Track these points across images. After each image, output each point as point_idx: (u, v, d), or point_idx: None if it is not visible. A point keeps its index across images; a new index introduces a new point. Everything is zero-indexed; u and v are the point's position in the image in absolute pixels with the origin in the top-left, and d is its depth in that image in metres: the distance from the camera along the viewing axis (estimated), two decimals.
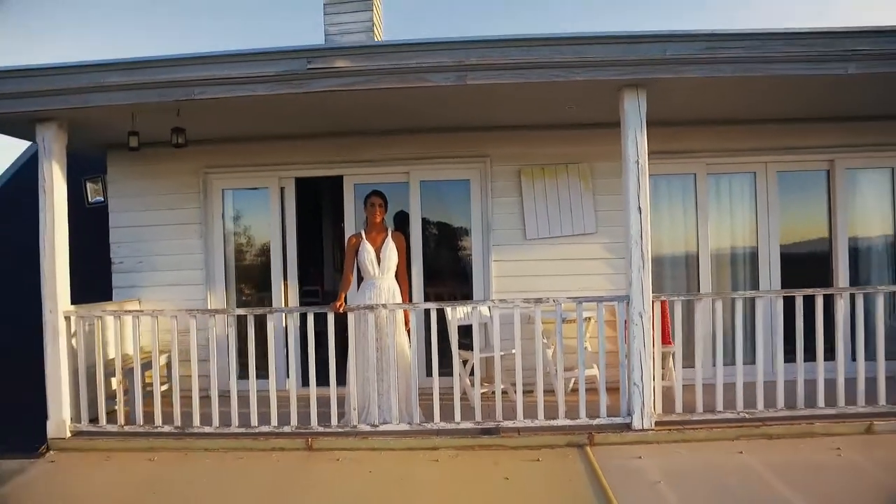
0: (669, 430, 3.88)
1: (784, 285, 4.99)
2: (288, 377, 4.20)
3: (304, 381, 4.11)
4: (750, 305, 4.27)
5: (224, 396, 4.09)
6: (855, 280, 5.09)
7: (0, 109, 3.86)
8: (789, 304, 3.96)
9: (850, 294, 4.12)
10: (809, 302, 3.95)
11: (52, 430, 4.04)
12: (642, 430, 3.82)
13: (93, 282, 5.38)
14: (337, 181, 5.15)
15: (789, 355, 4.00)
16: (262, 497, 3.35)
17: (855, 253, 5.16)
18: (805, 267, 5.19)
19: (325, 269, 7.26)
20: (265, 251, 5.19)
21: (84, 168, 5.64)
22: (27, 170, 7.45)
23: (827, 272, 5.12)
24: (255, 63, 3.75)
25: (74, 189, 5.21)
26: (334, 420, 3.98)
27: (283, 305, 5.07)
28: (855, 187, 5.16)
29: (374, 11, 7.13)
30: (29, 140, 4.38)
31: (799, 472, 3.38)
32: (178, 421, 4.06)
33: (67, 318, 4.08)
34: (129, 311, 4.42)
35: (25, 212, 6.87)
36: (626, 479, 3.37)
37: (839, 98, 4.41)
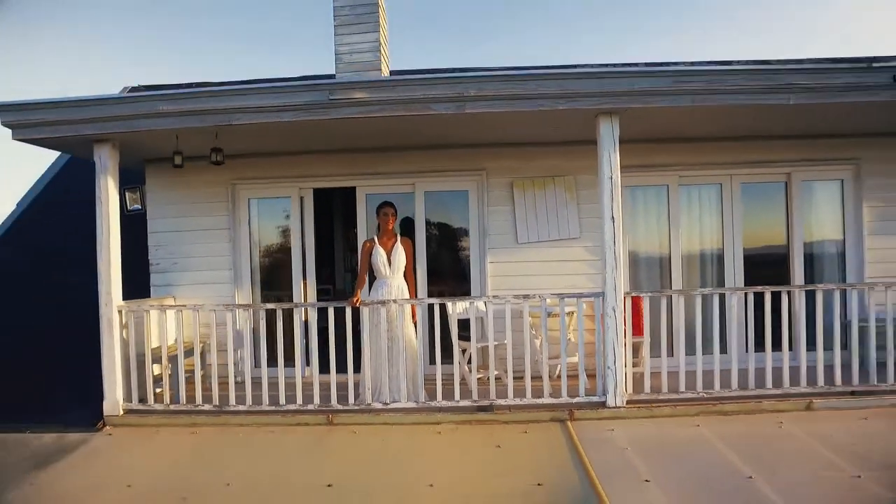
0: (639, 407, 4.53)
1: (747, 284, 5.63)
2: (309, 364, 4.85)
3: (324, 369, 4.74)
4: (711, 302, 4.92)
5: (255, 381, 4.73)
6: (810, 279, 5.73)
7: (65, 133, 4.50)
8: (756, 299, 4.61)
9: (789, 291, 4.77)
10: (761, 298, 4.61)
11: (107, 408, 4.69)
12: (615, 407, 4.47)
13: (128, 281, 6.02)
14: (349, 191, 5.80)
15: (754, 345, 4.66)
16: (290, 459, 4.01)
17: (810, 255, 5.81)
18: (767, 268, 5.83)
19: (335, 269, 7.89)
20: (286, 253, 5.83)
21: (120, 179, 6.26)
22: (56, 181, 8.11)
23: (786, 272, 5.77)
24: (284, 94, 4.39)
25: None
26: (351, 399, 4.63)
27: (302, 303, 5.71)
28: (810, 197, 5.80)
29: (381, 32, 7.76)
30: (85, 158, 4.99)
31: (744, 441, 4.02)
32: (216, 401, 4.71)
33: (120, 312, 4.72)
34: (173, 306, 5.08)
35: (55, 218, 7.54)
36: (599, 446, 4.01)
37: (791, 120, 5.05)
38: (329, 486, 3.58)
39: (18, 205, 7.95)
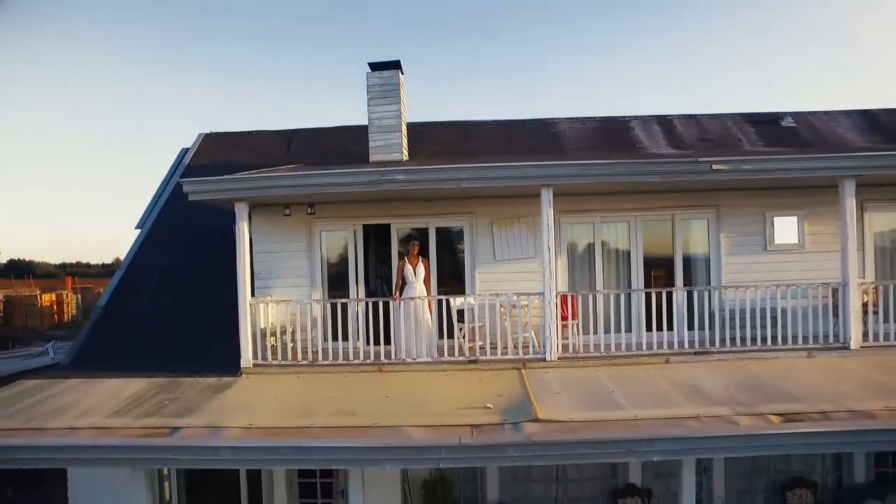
0: (565, 361, 7.55)
1: (646, 282, 8.64)
2: (358, 339, 7.87)
3: (374, 342, 7.74)
4: (620, 298, 7.87)
5: (324, 350, 7.75)
6: (687, 280, 8.74)
7: (221, 197, 7.51)
8: (650, 297, 7.64)
9: (669, 292, 7.81)
10: (653, 296, 7.64)
11: (243, 363, 7.69)
12: (550, 361, 7.49)
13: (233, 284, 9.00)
14: (385, 226, 8.81)
15: (645, 326, 7.68)
16: (361, 387, 7.04)
17: (688, 263, 8.82)
18: (658, 269, 8.85)
19: (369, 278, 10.84)
20: (344, 267, 8.84)
21: (224, 217, 9.27)
22: (163, 215, 11.12)
23: (671, 274, 8.77)
24: (355, 175, 7.42)
25: (223, 229, 8.86)
26: (393, 357, 7.65)
27: (360, 304, 8.71)
28: (688, 228, 8.82)
29: (401, 103, 10.86)
30: (226, 209, 7.98)
31: (619, 378, 7.04)
32: (309, 358, 7.73)
33: (250, 305, 7.74)
34: (278, 300, 8.10)
35: (165, 245, 10.49)
36: (537, 380, 7.03)
37: (668, 183, 8.06)
38: (386, 397, 6.62)
39: (141, 228, 10.99)
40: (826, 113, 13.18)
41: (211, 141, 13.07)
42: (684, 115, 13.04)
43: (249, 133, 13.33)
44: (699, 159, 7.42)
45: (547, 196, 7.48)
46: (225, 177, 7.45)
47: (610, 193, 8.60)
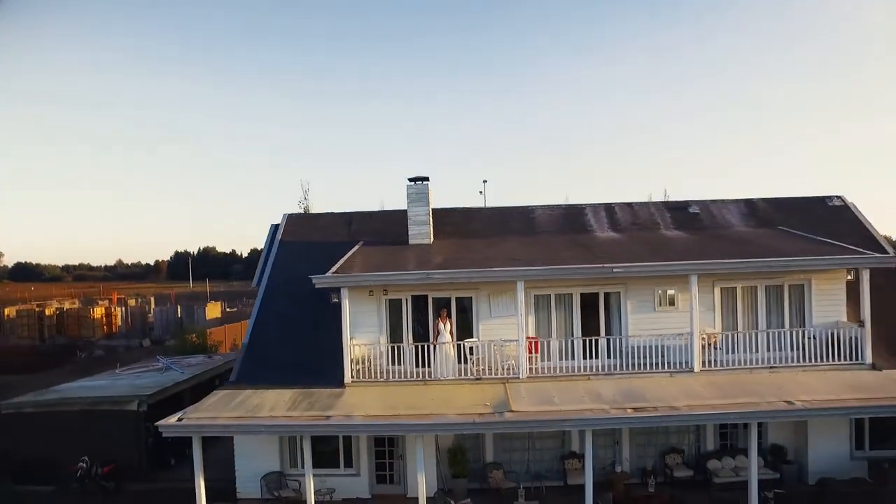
0: (530, 379, 13.22)
1: (582, 329, 14.29)
2: (412, 365, 13.52)
3: (420, 365, 13.39)
4: (569, 342, 13.44)
5: (395, 371, 13.41)
6: (608, 328, 14.37)
7: (335, 286, 13.17)
8: (587, 342, 13.34)
9: (597, 339, 13.52)
10: (590, 342, 13.34)
11: (346, 380, 13.34)
12: (522, 378, 13.16)
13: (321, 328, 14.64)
14: (424, 297, 14.46)
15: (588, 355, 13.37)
16: (417, 394, 12.72)
17: (609, 320, 14.47)
18: (591, 320, 14.51)
19: (413, 327, 16.43)
20: (400, 321, 14.48)
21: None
22: (271, 277, 16.73)
23: (599, 322, 14.42)
24: (411, 275, 13.11)
25: (312, 289, 14.48)
26: (431, 377, 13.32)
27: (410, 345, 14.30)
28: (608, 297, 14.48)
29: (429, 205, 16.59)
30: (331, 292, 13.61)
31: (562, 389, 12.71)
32: (382, 377, 13.41)
33: (351, 345, 13.39)
34: (364, 344, 13.77)
35: (277, 298, 16.13)
36: (514, 390, 12.70)
37: (597, 272, 13.71)
38: (431, 399, 12.31)
39: (258, 285, 16.61)
40: (723, 201, 18.89)
41: (293, 221, 18.77)
42: (624, 203, 18.76)
43: (319, 215, 19.09)
44: (605, 265, 13.11)
45: (520, 284, 13.16)
46: (337, 275, 13.07)
47: (561, 279, 14.27)
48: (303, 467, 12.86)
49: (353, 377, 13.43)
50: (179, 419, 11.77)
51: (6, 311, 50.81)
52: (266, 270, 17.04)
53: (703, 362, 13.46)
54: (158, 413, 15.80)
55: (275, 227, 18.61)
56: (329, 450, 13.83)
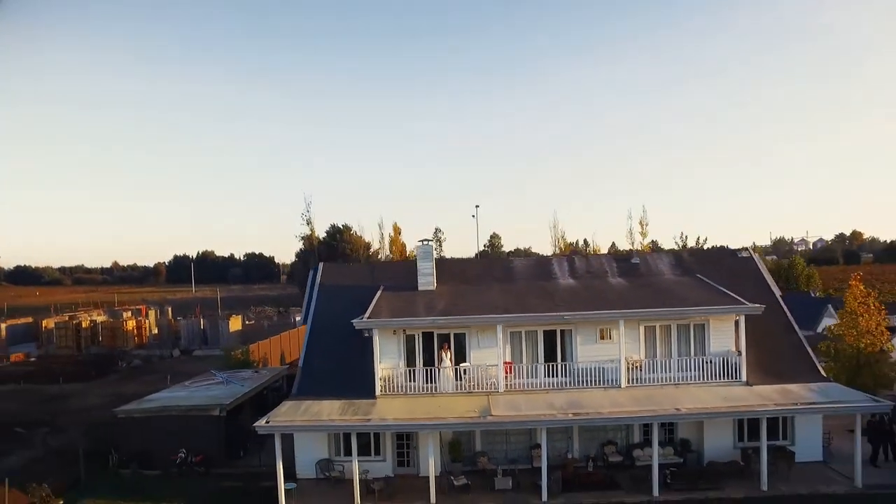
0: (507, 393, 18.86)
1: (545, 355, 19.89)
2: (423, 382, 19.13)
3: (430, 381, 19.01)
4: (537, 368, 18.99)
5: (410, 386, 19.03)
6: (563, 355, 20.02)
7: (370, 327, 18.76)
8: (548, 368, 19.00)
9: (555, 364, 19.21)
10: (553, 367, 19.01)
11: (377, 393, 18.96)
12: (500, 392, 18.80)
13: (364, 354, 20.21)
14: (431, 333, 20.06)
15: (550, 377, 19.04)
16: (424, 403, 18.35)
17: (563, 351, 20.12)
18: (551, 348, 20.17)
19: (423, 354, 21.99)
20: (412, 348, 20.07)
21: (349, 318, 20.44)
22: (316, 315, 22.38)
23: (555, 349, 20.07)
24: (423, 320, 18.74)
25: (351, 329, 20.05)
26: (437, 390, 18.94)
27: (421, 368, 19.87)
28: (563, 333, 20.14)
29: (433, 260, 22.39)
30: (367, 333, 19.19)
31: (527, 400, 18.36)
32: (401, 391, 19.02)
33: (379, 368, 18.98)
34: (387, 368, 19.39)
35: (322, 332, 21.84)
36: (494, 401, 18.34)
37: (551, 320, 19.34)
38: (438, 406, 17.94)
39: (305, 322, 22.19)
40: (657, 253, 24.68)
41: (328, 268, 24.40)
42: (581, 256, 24.45)
43: (350, 265, 24.67)
44: (559, 314, 18.76)
45: (500, 327, 18.82)
46: (370, 320, 18.63)
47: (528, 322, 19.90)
48: (345, 455, 18.56)
49: (381, 391, 19.04)
50: (267, 421, 17.33)
51: (44, 322, 56.03)
52: (311, 308, 22.65)
53: (629, 380, 19.15)
54: (230, 417, 21.73)
55: (314, 272, 24.22)
56: (364, 442, 19.37)
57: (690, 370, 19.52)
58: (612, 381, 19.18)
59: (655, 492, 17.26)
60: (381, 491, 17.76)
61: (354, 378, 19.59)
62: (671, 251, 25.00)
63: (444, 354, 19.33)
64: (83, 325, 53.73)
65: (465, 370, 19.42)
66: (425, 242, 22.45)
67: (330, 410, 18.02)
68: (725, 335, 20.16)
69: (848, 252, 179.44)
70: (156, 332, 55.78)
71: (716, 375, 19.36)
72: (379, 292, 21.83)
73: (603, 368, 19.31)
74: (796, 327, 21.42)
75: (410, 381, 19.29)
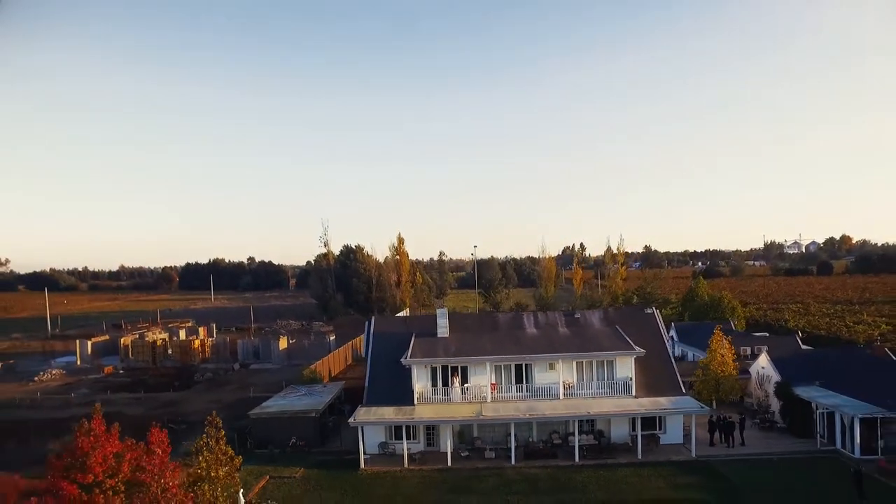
0: (493, 402, 31.78)
1: (516, 379, 32.75)
2: (442, 395, 32.03)
3: (445, 395, 31.89)
4: (508, 384, 31.76)
5: (435, 398, 31.95)
6: (528, 379, 32.91)
7: (411, 364, 31.67)
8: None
9: (516, 384, 32.25)
10: (520, 385, 32.03)
11: (415, 401, 31.87)
12: (489, 402, 31.73)
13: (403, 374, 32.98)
14: (446, 366, 32.96)
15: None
16: (445, 407, 31.31)
17: (528, 374, 33.07)
18: (520, 377, 33.14)
19: (443, 379, 34.60)
20: (435, 375, 32.92)
21: (396, 355, 33.21)
22: (373, 352, 35.46)
23: (522, 375, 32.98)
24: (442, 360, 31.71)
25: (397, 361, 32.93)
26: (450, 400, 31.87)
27: (441, 387, 32.66)
28: (529, 366, 33.10)
29: (447, 318, 35.62)
30: (408, 365, 32.02)
31: (506, 407, 31.32)
32: (432, 401, 31.97)
33: (416, 387, 31.90)
34: (420, 386, 32.37)
35: (377, 362, 35.05)
36: (485, 407, 31.27)
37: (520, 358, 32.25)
38: (451, 410, 30.90)
39: (366, 357, 35.15)
40: (591, 311, 37.61)
41: (378, 319, 37.48)
42: (542, 312, 37.43)
43: (395, 316, 37.63)
44: (524, 355, 31.72)
45: (489, 363, 31.81)
46: (411, 359, 31.44)
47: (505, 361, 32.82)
48: (395, 439, 31.57)
49: (417, 401, 31.96)
50: (354, 419, 30.21)
51: (123, 340, 68.77)
52: (370, 348, 35.63)
53: (565, 394, 32.10)
54: (319, 416, 34.69)
55: (369, 322, 37.16)
56: (407, 431, 32.23)
57: (603, 388, 32.48)
58: (555, 395, 32.10)
59: (576, 459, 30.23)
60: (417, 459, 30.68)
61: (401, 393, 32.46)
62: (601, 309, 37.59)
63: (454, 379, 32.26)
64: (156, 342, 66.54)
65: (467, 388, 32.31)
66: (441, 310, 35.37)
67: (387, 412, 30.91)
68: (626, 366, 33.14)
69: (822, 263, 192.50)
70: (212, 345, 68.46)
71: (617, 392, 32.33)
72: (413, 339, 34.70)
73: (550, 387, 32.25)
74: (672, 360, 34.45)
75: (435, 395, 32.21)
